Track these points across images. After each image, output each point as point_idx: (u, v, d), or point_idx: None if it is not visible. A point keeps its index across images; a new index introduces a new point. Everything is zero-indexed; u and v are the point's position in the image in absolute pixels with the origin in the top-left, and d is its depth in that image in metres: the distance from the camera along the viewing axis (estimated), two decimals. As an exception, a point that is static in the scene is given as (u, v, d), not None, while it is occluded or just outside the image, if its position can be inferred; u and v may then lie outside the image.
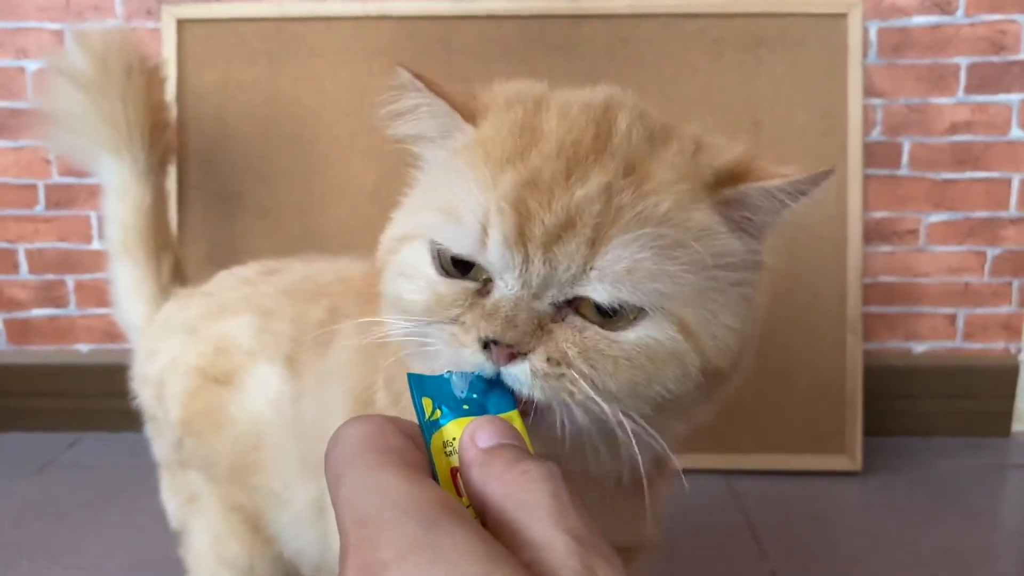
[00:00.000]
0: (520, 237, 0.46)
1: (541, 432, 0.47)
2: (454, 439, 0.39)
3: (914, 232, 1.50)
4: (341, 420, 0.69)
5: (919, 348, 1.55)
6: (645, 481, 0.50)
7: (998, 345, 1.54)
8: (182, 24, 1.39)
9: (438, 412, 0.40)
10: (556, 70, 1.35)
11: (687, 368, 0.48)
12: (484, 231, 0.47)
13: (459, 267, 0.50)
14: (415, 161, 0.59)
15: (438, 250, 0.50)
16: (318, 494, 0.76)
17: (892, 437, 1.53)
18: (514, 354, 0.46)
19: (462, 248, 0.48)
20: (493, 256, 0.47)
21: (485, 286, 0.49)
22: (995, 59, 1.43)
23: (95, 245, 1.53)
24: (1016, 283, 1.51)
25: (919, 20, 1.42)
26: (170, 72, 1.38)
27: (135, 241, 0.97)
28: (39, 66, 1.47)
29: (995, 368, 1.53)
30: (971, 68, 1.43)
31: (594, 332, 0.47)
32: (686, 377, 0.49)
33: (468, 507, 0.36)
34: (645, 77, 1.36)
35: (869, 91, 1.43)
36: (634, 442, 0.47)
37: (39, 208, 1.52)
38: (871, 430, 1.45)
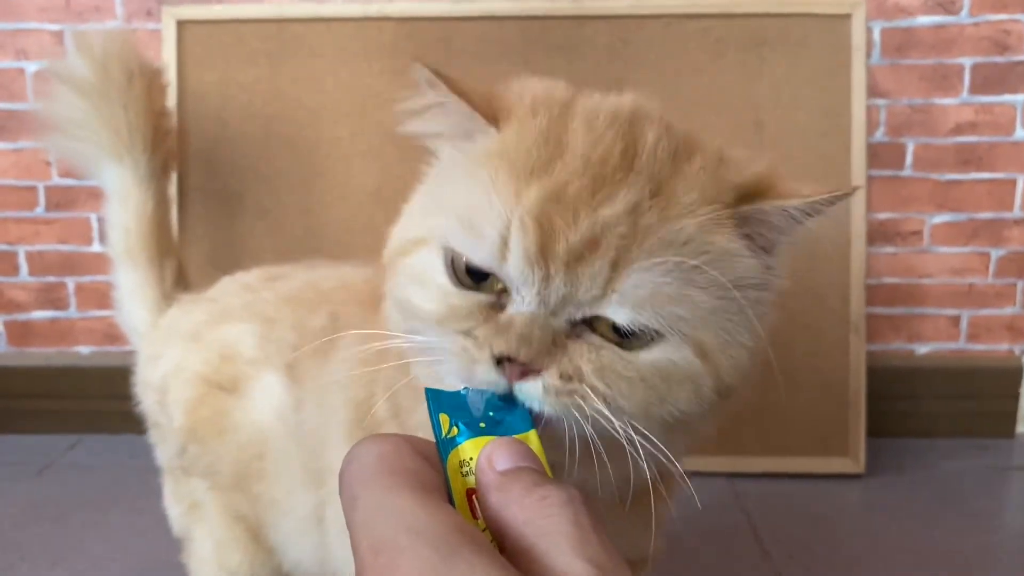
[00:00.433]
0: (542, 253, 0.45)
1: (549, 442, 0.47)
2: (471, 459, 0.38)
3: (918, 233, 1.49)
4: (342, 429, 0.70)
5: (922, 349, 1.54)
6: (652, 495, 0.50)
7: (1002, 346, 1.53)
8: (182, 25, 1.39)
9: (455, 429, 0.39)
10: (557, 71, 1.33)
11: (701, 390, 0.48)
12: (504, 244, 0.46)
13: (473, 276, 0.48)
14: (428, 157, 0.58)
15: (452, 257, 0.49)
16: (317, 503, 0.75)
17: (895, 439, 1.52)
18: (527, 371, 0.45)
19: (481, 260, 0.47)
20: (512, 270, 0.46)
21: (500, 298, 0.48)
22: (999, 59, 1.42)
23: (95, 247, 1.53)
24: (1020, 284, 1.51)
25: (923, 20, 1.41)
26: (170, 74, 1.37)
27: (138, 246, 0.97)
28: (39, 67, 1.46)
29: (999, 369, 1.53)
30: (975, 68, 1.43)
31: (610, 351, 0.46)
32: (700, 398, 0.48)
33: (484, 530, 0.35)
34: (647, 77, 1.36)
35: (872, 91, 1.42)
36: (642, 456, 0.46)
37: (39, 210, 1.52)
38: (874, 432, 1.44)
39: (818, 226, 0.51)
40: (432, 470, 0.35)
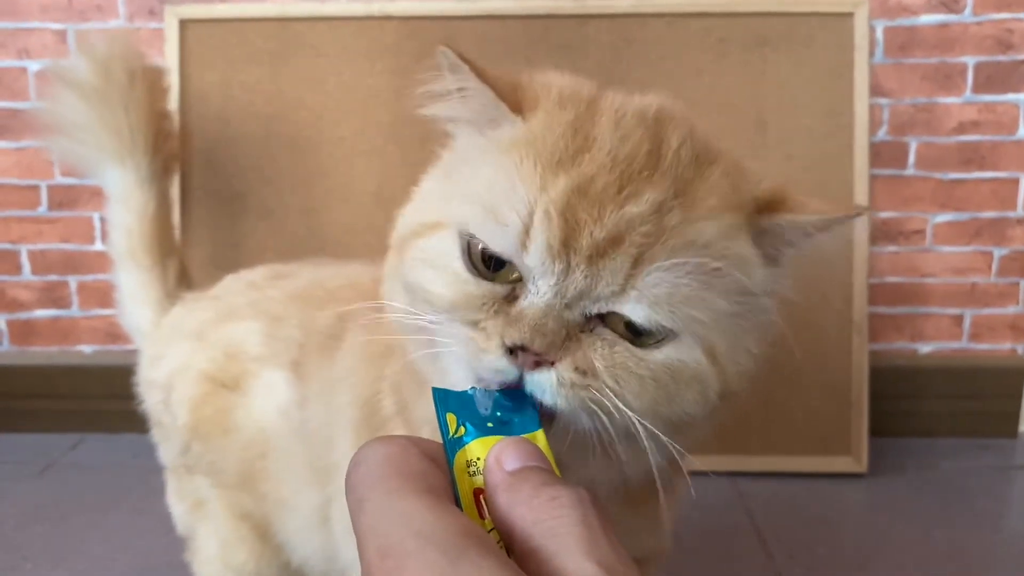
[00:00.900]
0: (565, 246, 0.45)
1: (559, 438, 0.47)
2: (478, 459, 0.38)
3: (920, 232, 1.49)
4: (349, 427, 0.70)
5: (925, 349, 1.54)
6: (661, 491, 0.50)
7: (1005, 346, 1.53)
8: (185, 24, 1.39)
9: (462, 429, 0.39)
10: (560, 70, 1.34)
11: (707, 392, 0.48)
12: (526, 233, 0.46)
13: (488, 263, 0.48)
14: (443, 140, 0.58)
15: (469, 243, 0.49)
16: (323, 501, 0.75)
17: (898, 438, 1.52)
18: (540, 362, 0.45)
19: (501, 248, 0.47)
20: (533, 261, 0.46)
21: (514, 289, 0.47)
22: (1002, 58, 1.42)
23: (98, 246, 1.53)
24: (1023, 283, 1.50)
25: (926, 19, 1.41)
26: (172, 73, 1.37)
27: (140, 247, 0.97)
28: (42, 66, 1.46)
29: (1002, 369, 1.53)
30: (978, 67, 1.43)
31: (624, 348, 0.46)
32: (705, 401, 0.49)
33: (491, 530, 0.35)
34: (650, 77, 1.36)
35: (875, 90, 1.42)
36: (653, 451, 0.46)
37: (42, 209, 1.52)
38: (877, 431, 1.44)
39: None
40: (439, 472, 0.35)
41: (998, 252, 1.49)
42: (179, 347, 0.88)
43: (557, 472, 0.37)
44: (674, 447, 0.47)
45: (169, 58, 1.38)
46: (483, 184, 0.49)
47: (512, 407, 0.44)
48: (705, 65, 1.36)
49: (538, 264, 0.46)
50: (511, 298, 0.47)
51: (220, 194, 1.41)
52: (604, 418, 0.45)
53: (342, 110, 1.39)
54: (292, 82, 1.39)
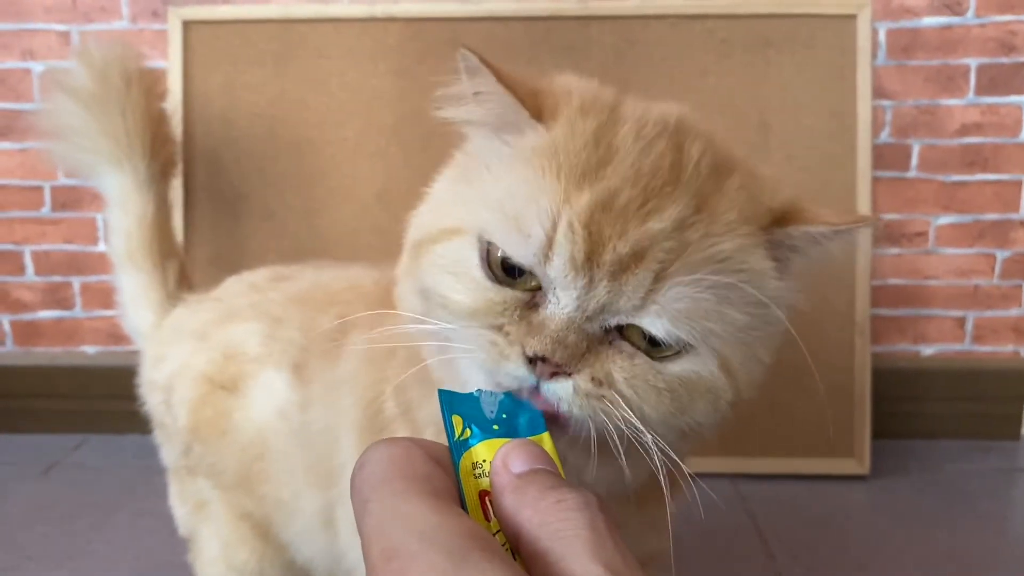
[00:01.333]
0: (588, 260, 0.45)
1: (569, 443, 0.48)
2: (484, 461, 0.38)
3: (923, 234, 1.49)
4: (351, 429, 0.70)
5: (928, 351, 1.54)
6: (667, 495, 0.50)
7: (1007, 348, 1.53)
8: (188, 25, 1.39)
9: (468, 431, 0.39)
10: (563, 71, 1.34)
11: (719, 402, 0.49)
12: (550, 244, 0.46)
13: (508, 270, 0.48)
14: (459, 141, 0.57)
15: (488, 249, 0.49)
16: (326, 504, 0.75)
17: (900, 440, 1.52)
18: (558, 372, 0.45)
19: (522, 257, 0.47)
20: (555, 273, 0.46)
21: (533, 297, 0.48)
22: (1005, 60, 1.42)
23: (101, 247, 1.53)
24: (1026, 286, 1.51)
25: (928, 21, 1.41)
26: (175, 74, 1.38)
27: (139, 250, 0.97)
28: (45, 67, 1.47)
29: (1004, 371, 1.52)
30: (981, 69, 1.42)
31: (643, 361, 0.47)
32: (716, 411, 0.50)
33: (497, 532, 0.35)
34: (653, 78, 1.36)
35: (878, 92, 1.42)
36: (658, 460, 0.47)
37: (45, 210, 1.52)
38: (879, 433, 1.44)
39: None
40: (444, 474, 0.35)
41: (1001, 254, 1.49)
42: (180, 348, 0.88)
43: (563, 475, 0.37)
44: (678, 461, 0.48)
45: (172, 59, 1.38)
46: (504, 191, 0.49)
47: (518, 410, 0.44)
48: (708, 66, 1.36)
49: (560, 277, 0.46)
50: (531, 305, 0.48)
51: (223, 195, 1.41)
52: (613, 427, 0.46)
53: (345, 111, 1.39)
54: (295, 83, 1.39)
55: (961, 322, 1.52)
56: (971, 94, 1.43)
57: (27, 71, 1.47)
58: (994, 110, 1.44)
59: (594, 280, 0.46)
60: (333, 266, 0.90)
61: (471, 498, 0.36)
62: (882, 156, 1.45)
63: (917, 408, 1.53)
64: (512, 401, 0.44)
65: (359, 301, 0.78)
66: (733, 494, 1.35)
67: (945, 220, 1.48)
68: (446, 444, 0.39)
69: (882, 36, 1.42)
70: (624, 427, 0.46)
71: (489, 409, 0.42)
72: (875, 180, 1.43)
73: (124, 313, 0.99)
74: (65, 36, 1.46)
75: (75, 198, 1.51)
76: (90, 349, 1.58)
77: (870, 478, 1.40)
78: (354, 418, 0.69)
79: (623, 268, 0.45)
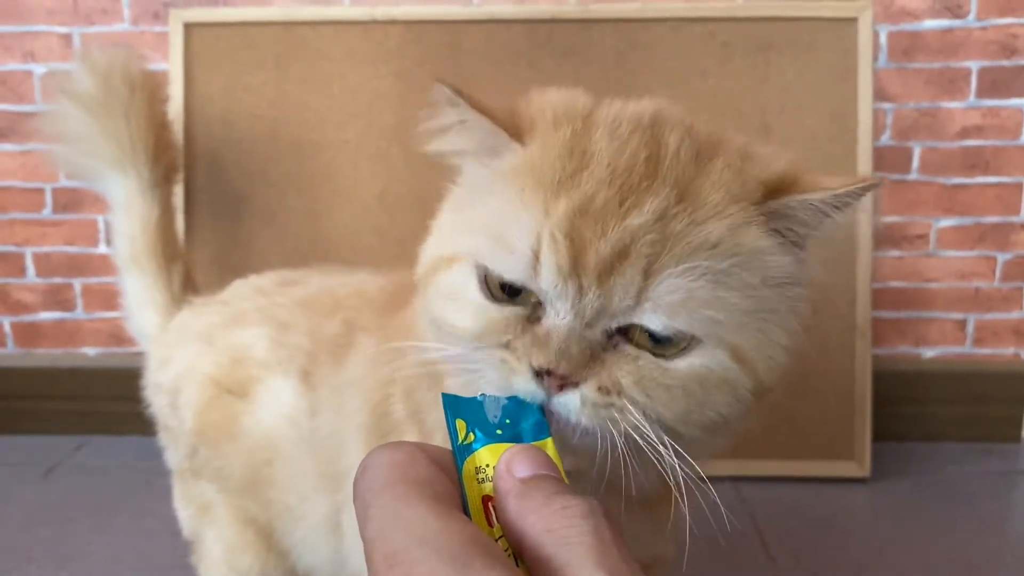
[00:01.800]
0: (574, 267, 0.45)
1: (579, 452, 0.47)
2: (487, 466, 0.38)
3: (924, 237, 1.49)
4: (358, 432, 0.70)
5: (929, 353, 1.54)
6: (685, 499, 0.50)
7: (1008, 351, 1.53)
8: (189, 28, 1.39)
9: (471, 436, 0.39)
10: (565, 74, 1.34)
11: (739, 393, 0.48)
12: (536, 259, 0.46)
13: (506, 290, 0.49)
14: (452, 173, 0.58)
15: (485, 274, 0.49)
16: (332, 509, 0.76)
17: (901, 443, 1.52)
18: (565, 383, 0.45)
19: (513, 276, 0.48)
20: (546, 284, 0.46)
21: (535, 311, 0.48)
22: (1006, 63, 1.42)
23: (102, 249, 1.53)
24: (1027, 288, 1.51)
25: (929, 24, 1.41)
26: (176, 77, 1.38)
27: (144, 253, 0.97)
28: (47, 70, 1.47)
29: (1005, 374, 1.53)
30: (982, 72, 1.43)
31: (648, 361, 0.47)
32: (738, 401, 0.48)
33: (500, 538, 0.35)
34: (654, 81, 1.36)
35: (879, 95, 1.42)
36: (670, 469, 0.46)
37: (46, 212, 1.52)
38: (880, 435, 1.44)
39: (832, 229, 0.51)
40: (447, 479, 0.35)
41: (1002, 257, 1.49)
42: (186, 351, 0.88)
43: (566, 480, 0.37)
44: (692, 465, 0.47)
45: (173, 62, 1.38)
46: (490, 214, 0.50)
47: (522, 414, 0.44)
48: (709, 69, 1.36)
49: (551, 288, 0.46)
50: (534, 318, 0.48)
51: (224, 197, 1.41)
52: (624, 437, 0.46)
53: (346, 113, 1.39)
54: (296, 86, 1.39)
55: (962, 324, 1.52)
56: (972, 97, 1.44)
57: (28, 73, 1.47)
58: (995, 113, 1.44)
59: (584, 286, 0.46)
60: (340, 271, 0.90)
61: (474, 503, 0.37)
62: (883, 158, 1.45)
63: (918, 411, 1.53)
64: (516, 406, 0.44)
65: (366, 307, 0.78)
66: (734, 496, 1.35)
67: (946, 223, 1.48)
68: (450, 448, 0.39)
69: (883, 39, 1.42)
70: (636, 435, 0.45)
71: (493, 414, 0.42)
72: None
73: (129, 316, 0.99)
74: (66, 38, 1.46)
75: (76, 200, 1.52)
76: (91, 351, 1.58)
77: (871, 480, 1.40)
78: (361, 421, 0.70)
79: (609, 269, 0.45)
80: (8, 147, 1.50)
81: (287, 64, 1.39)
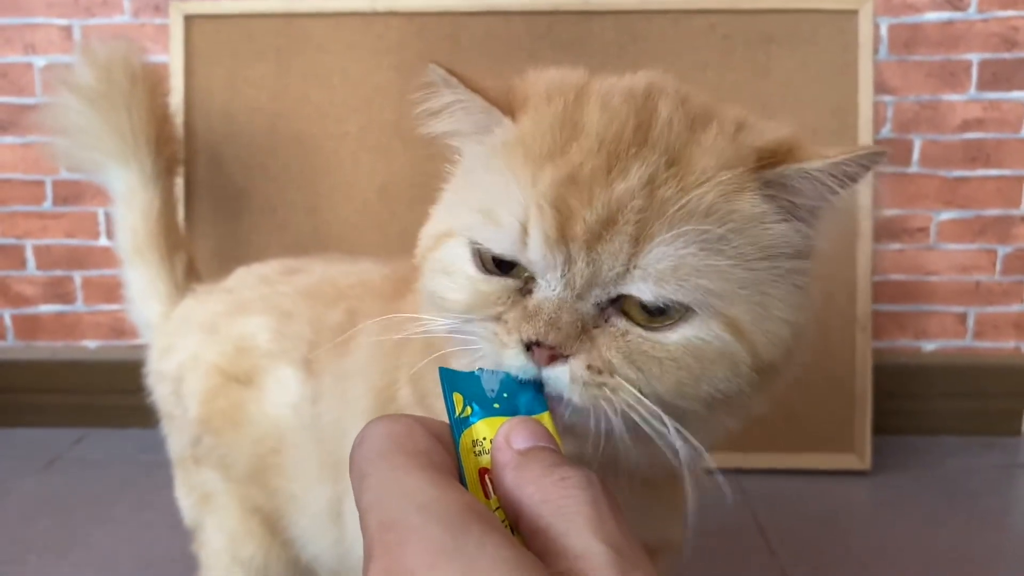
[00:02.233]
0: (561, 236, 0.45)
1: (575, 431, 0.47)
2: (484, 438, 0.38)
3: (924, 230, 1.49)
4: (362, 418, 0.70)
5: (929, 347, 1.54)
6: (687, 481, 0.49)
7: (1009, 344, 1.53)
8: (190, 20, 1.39)
9: (468, 409, 0.40)
10: (564, 66, 1.34)
11: (737, 367, 0.47)
12: (524, 231, 0.46)
13: (500, 266, 0.49)
14: (451, 155, 0.58)
15: (478, 249, 0.49)
16: (335, 496, 0.76)
17: (901, 436, 1.52)
18: (555, 356, 0.45)
19: (503, 248, 0.47)
20: (534, 256, 0.46)
21: (527, 284, 0.48)
22: (1007, 56, 1.42)
23: (102, 241, 1.53)
24: (1027, 281, 1.51)
25: (930, 16, 1.41)
26: (177, 69, 1.38)
27: (146, 244, 0.98)
28: (47, 62, 1.47)
29: (1006, 367, 1.53)
30: (983, 65, 1.42)
31: (638, 334, 0.46)
32: (736, 376, 0.47)
33: (496, 509, 0.35)
34: (654, 74, 1.35)
35: (880, 88, 1.42)
36: (672, 448, 0.46)
37: (47, 204, 1.52)
38: (880, 429, 1.44)
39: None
40: (443, 450, 0.35)
41: (1002, 250, 1.49)
42: (190, 339, 0.88)
43: (563, 453, 0.37)
44: (693, 443, 0.46)
45: (174, 54, 1.38)
46: (482, 190, 0.50)
47: (519, 389, 0.44)
48: (710, 62, 1.36)
49: (540, 258, 0.46)
50: (525, 291, 0.47)
51: (224, 190, 1.41)
52: (620, 416, 0.45)
53: (347, 106, 1.39)
54: (297, 78, 1.39)
55: (962, 318, 1.52)
56: (973, 90, 1.43)
57: (29, 65, 1.47)
58: (996, 106, 1.44)
59: (572, 255, 0.45)
60: (343, 260, 0.90)
61: (471, 475, 0.37)
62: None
63: (918, 404, 1.53)
64: (513, 380, 0.44)
65: (368, 296, 0.78)
66: (735, 489, 1.35)
67: (946, 216, 1.48)
68: (447, 422, 0.39)
69: (884, 31, 1.42)
70: (633, 413, 0.45)
71: (490, 388, 0.42)
72: (876, 175, 1.43)
73: (132, 306, 0.99)
74: (67, 30, 1.46)
75: (76, 192, 1.51)
76: (91, 343, 1.58)
77: (871, 474, 1.40)
78: (364, 406, 0.70)
79: (597, 237, 0.45)
80: (8, 139, 1.50)
81: (288, 57, 1.39)
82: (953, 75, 1.43)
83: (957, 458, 1.47)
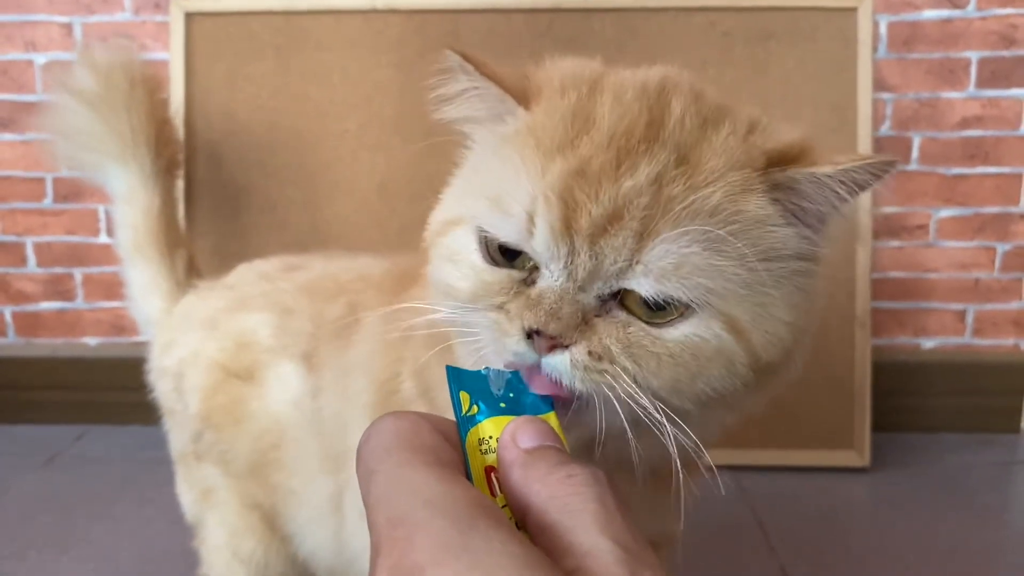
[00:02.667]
0: (567, 228, 0.45)
1: (578, 424, 0.47)
2: (491, 437, 0.38)
3: (924, 227, 1.49)
4: (364, 411, 0.70)
5: (928, 344, 1.54)
6: (683, 476, 0.49)
7: (1008, 341, 1.53)
8: (190, 17, 1.39)
9: (475, 408, 0.40)
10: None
11: (734, 366, 0.47)
12: (531, 220, 0.46)
13: (506, 254, 0.49)
14: (463, 141, 0.58)
15: (485, 237, 0.49)
16: (335, 490, 0.76)
17: (901, 433, 1.52)
18: (555, 345, 0.45)
19: (509, 237, 0.48)
20: (539, 246, 0.46)
21: (531, 275, 0.48)
22: (1006, 53, 1.42)
23: (103, 238, 1.53)
24: (1026, 279, 1.51)
25: (929, 14, 1.41)
26: (177, 66, 1.38)
27: (147, 243, 0.98)
28: (48, 59, 1.47)
29: (1005, 364, 1.53)
30: (982, 62, 1.43)
31: (638, 328, 0.46)
32: (733, 375, 0.47)
33: (503, 507, 0.35)
34: (654, 71, 1.35)
35: (879, 85, 1.42)
36: (671, 439, 0.46)
37: (47, 201, 1.52)
38: (880, 426, 1.44)
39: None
40: (450, 447, 0.36)
41: (1001, 247, 1.49)
42: (191, 335, 0.88)
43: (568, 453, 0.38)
44: (691, 437, 0.46)
45: (174, 51, 1.38)
46: (492, 178, 0.50)
47: (525, 388, 0.44)
48: (709, 59, 1.36)
49: (544, 249, 0.46)
50: (529, 282, 0.48)
51: (224, 187, 1.41)
52: (621, 405, 0.45)
53: (347, 104, 1.39)
54: (297, 76, 1.39)
55: (961, 315, 1.53)
56: (972, 87, 1.44)
57: (29, 62, 1.47)
58: (995, 103, 1.44)
59: (576, 247, 0.45)
60: (343, 256, 0.90)
61: (477, 473, 0.37)
62: (883, 149, 1.45)
63: (917, 401, 1.53)
64: (519, 380, 0.44)
65: (369, 290, 0.79)
66: (734, 486, 1.35)
67: (946, 213, 1.48)
68: (453, 420, 0.39)
69: (883, 29, 1.42)
70: (631, 402, 0.45)
71: (496, 387, 0.42)
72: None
73: (133, 304, 1.00)
74: (67, 28, 1.46)
75: (77, 190, 1.52)
76: (92, 340, 1.58)
77: (870, 471, 1.40)
78: (366, 400, 0.70)
79: (602, 231, 0.45)
80: (9, 137, 1.50)
81: (288, 54, 1.39)
82: (952, 72, 1.43)
83: (956, 455, 1.47)
